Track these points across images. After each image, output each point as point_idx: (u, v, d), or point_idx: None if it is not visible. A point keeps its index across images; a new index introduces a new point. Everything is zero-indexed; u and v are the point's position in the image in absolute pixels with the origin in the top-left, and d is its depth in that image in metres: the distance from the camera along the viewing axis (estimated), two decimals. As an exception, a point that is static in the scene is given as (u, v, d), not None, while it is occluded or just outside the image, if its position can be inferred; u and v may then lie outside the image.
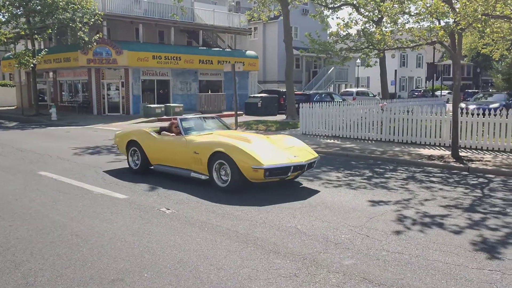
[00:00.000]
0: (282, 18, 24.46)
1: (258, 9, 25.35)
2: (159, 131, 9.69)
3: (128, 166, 9.92)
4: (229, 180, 7.68)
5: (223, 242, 5.37)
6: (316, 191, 8.02)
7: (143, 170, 9.48)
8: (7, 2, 25.33)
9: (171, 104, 27.07)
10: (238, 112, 20.39)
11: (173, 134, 9.19)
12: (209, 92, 30.70)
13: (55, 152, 12.69)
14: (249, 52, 35.09)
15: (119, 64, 27.36)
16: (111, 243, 5.35)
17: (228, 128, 9.83)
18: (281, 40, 25.31)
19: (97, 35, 26.37)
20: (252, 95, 30.60)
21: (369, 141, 14.72)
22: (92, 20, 25.51)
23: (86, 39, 25.33)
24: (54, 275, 4.44)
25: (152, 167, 9.38)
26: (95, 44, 26.12)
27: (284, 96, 27.48)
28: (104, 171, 9.82)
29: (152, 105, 26.00)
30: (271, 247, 5.19)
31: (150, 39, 31.11)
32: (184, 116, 9.53)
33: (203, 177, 8.14)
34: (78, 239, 5.50)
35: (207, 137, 8.55)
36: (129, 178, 9.06)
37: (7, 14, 26.29)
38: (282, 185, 8.46)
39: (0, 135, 17.42)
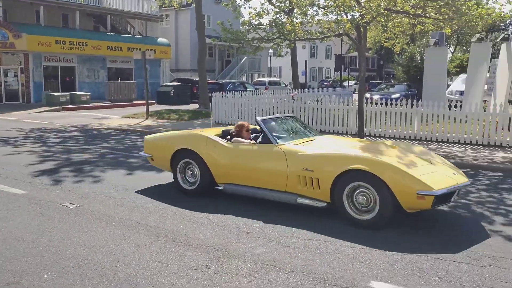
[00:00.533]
0: (194, 5, 24.07)
1: (170, -5, 24.73)
2: (223, 135, 7.17)
3: (175, 183, 7.23)
4: (375, 212, 5.45)
5: (132, 236, 5.15)
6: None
7: (204, 191, 6.93)
8: None
9: (77, 92, 25.63)
10: (149, 101, 19.81)
11: (253, 141, 6.87)
12: (119, 80, 29.47)
13: None
14: (160, 40, 34.17)
15: (18, 49, 25.28)
16: (6, 243, 4.91)
17: (318, 133, 7.65)
18: (194, 28, 24.91)
19: (-9, 16, 24.16)
20: (164, 84, 29.89)
21: (281, 130, 14.98)
22: (-15, -1, 23.31)
23: (-22, 20, 23.12)
24: None
25: (220, 187, 6.85)
26: (-11, 26, 23.92)
27: (197, 85, 27.16)
28: (0, 165, 9.03)
29: (55, 93, 24.39)
30: (182, 239, 5.07)
31: (53, 23, 29.09)
32: (265, 117, 6.94)
33: (318, 204, 5.91)
34: (-33, 240, 4.99)
35: (316, 146, 6.35)
36: (29, 172, 8.41)
37: None
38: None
39: None
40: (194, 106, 23.92)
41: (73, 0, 27.77)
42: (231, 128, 7.34)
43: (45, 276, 4.14)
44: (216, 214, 5.99)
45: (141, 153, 8.01)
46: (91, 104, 24.69)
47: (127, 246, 4.86)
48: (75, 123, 16.92)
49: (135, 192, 7.09)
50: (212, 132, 7.29)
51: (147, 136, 7.95)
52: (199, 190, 6.91)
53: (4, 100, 26.01)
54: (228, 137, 7.06)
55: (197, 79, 26.30)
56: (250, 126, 7.27)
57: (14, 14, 27.88)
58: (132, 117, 18.77)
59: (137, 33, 34.20)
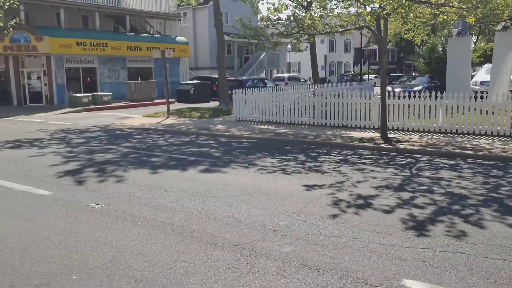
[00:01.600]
0: (212, 3, 24.04)
1: (187, -6, 24.75)
2: None
3: None
4: None
5: (158, 236, 5.14)
6: (252, 178, 7.93)
7: None
8: None
9: (99, 93, 25.88)
10: (170, 100, 19.89)
11: None
12: (139, 79, 29.69)
13: (-31, 147, 11.69)
14: (179, 38, 34.29)
15: (40, 52, 25.67)
16: (34, 244, 4.95)
17: None
18: (212, 26, 24.91)
19: (14, 20, 24.54)
20: (184, 82, 30.00)
21: (302, 126, 14.88)
22: (7, 3, 23.65)
23: (1, 24, 23.48)
24: (-32, 285, 4.02)
25: None
26: (11, 30, 24.28)
27: (216, 83, 27.17)
28: (26, 166, 9.15)
29: (78, 94, 24.70)
30: (208, 238, 5.03)
31: (74, 25, 29.44)
32: None
33: None
34: (-3, 242, 5.04)
35: None
36: (54, 173, 8.50)
37: None
38: (215, 173, 8.31)
39: None
40: (214, 104, 23.95)
41: (92, 2, 28.02)
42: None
43: (74, 277, 4.15)
44: (241, 212, 5.94)
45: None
46: (113, 104, 24.92)
47: (153, 246, 4.85)
48: (98, 123, 17.09)
49: (159, 191, 7.08)
50: None
51: None
52: None
53: (28, 102, 26.46)
54: None
55: (216, 76, 26.31)
56: None
57: (35, 18, 28.31)
58: (153, 116, 18.87)
59: (155, 32, 34.38)
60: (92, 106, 23.88)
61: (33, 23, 27.59)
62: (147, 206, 6.28)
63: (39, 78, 26.95)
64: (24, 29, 25.20)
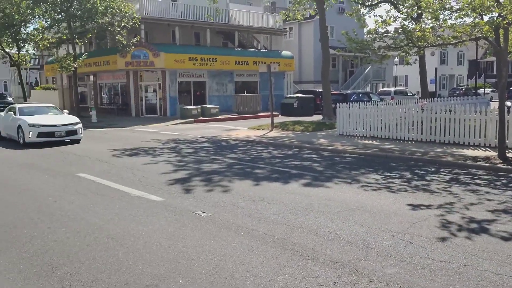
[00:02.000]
0: (317, 17, 24.13)
1: (294, 8, 25.12)
2: None
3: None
4: None
5: (260, 247, 5.22)
6: (355, 194, 7.76)
7: None
8: (50, 8, 26.11)
9: (207, 106, 27.18)
10: (274, 113, 20.24)
11: None
12: (245, 93, 30.69)
13: (94, 154, 12.90)
14: (284, 53, 34.90)
15: (156, 67, 27.71)
16: (146, 247, 5.30)
17: None
18: (317, 40, 25.01)
19: (135, 38, 26.80)
20: (288, 96, 30.39)
21: (409, 142, 14.25)
22: (130, 23, 25.92)
23: (124, 42, 25.76)
24: (89, 280, 4.42)
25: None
26: (133, 47, 26.54)
27: (320, 96, 27.10)
28: (141, 173, 9.87)
29: (188, 107, 26.17)
30: (309, 253, 5.01)
31: (187, 41, 31.38)
32: None
33: None
34: (114, 242, 5.48)
35: None
36: (165, 181, 9.06)
37: (49, 19, 27.14)
38: (317, 187, 8.25)
39: (43, 137, 17.89)
40: (317, 118, 23.88)
41: (204, 20, 29.63)
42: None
43: (180, 281, 4.36)
44: (342, 228, 5.83)
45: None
46: (220, 116, 25.99)
47: (255, 257, 4.94)
48: (205, 135, 17.92)
49: (262, 202, 7.21)
50: None
51: None
52: None
53: (144, 113, 28.62)
54: None
55: (320, 90, 26.27)
56: None
57: (153, 35, 30.65)
58: (257, 129, 19.32)
59: (262, 47, 35.36)
60: (201, 118, 25.12)
61: (151, 40, 29.88)
62: (250, 217, 6.42)
63: (154, 91, 29.05)
64: (143, 46, 27.37)
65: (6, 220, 6.51)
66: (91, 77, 32.55)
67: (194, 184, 8.72)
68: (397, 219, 6.21)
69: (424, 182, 8.75)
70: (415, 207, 6.89)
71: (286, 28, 38.61)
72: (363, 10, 24.82)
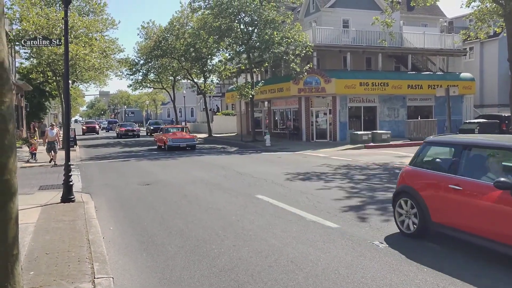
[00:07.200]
0: (504, 34, 21.88)
1: (475, 27, 23.22)
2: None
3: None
4: None
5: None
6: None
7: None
8: (232, 41, 28.77)
9: (378, 131, 26.57)
10: (452, 140, 18.79)
11: None
12: (419, 118, 29.25)
13: (269, 176, 13.58)
14: (463, 75, 32.39)
15: (327, 92, 28.20)
16: (325, 273, 5.34)
17: None
18: (503, 59, 22.64)
19: (308, 65, 27.77)
20: (467, 121, 28.00)
21: None
22: (304, 52, 26.99)
23: (298, 70, 26.87)
24: (273, 300, 4.61)
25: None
26: (305, 74, 27.52)
27: (506, 122, 24.40)
28: (315, 198, 10.04)
29: (358, 132, 25.95)
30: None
31: (357, 66, 31.34)
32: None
33: None
34: (293, 265, 5.64)
35: None
36: (339, 207, 9.06)
37: (232, 52, 29.90)
38: None
39: (224, 159, 19.55)
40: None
41: (376, 44, 29.30)
42: None
43: (362, 313, 4.27)
44: None
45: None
46: (391, 142, 25.16)
47: (441, 297, 4.59)
48: (377, 161, 17.49)
49: (446, 242, 6.70)
50: None
51: None
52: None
53: (315, 138, 29.26)
54: None
55: (507, 114, 23.63)
56: None
57: (325, 62, 31.36)
58: (433, 156, 18.13)
59: (437, 69, 33.40)
60: (371, 144, 24.64)
61: (323, 66, 30.61)
62: (432, 251, 6.01)
63: (324, 116, 29.54)
64: (315, 73, 28.17)
65: (197, 235, 7.22)
66: (266, 103, 34.62)
67: (369, 212, 8.54)
68: None
69: None
70: None
71: (466, 49, 35.86)
72: None
